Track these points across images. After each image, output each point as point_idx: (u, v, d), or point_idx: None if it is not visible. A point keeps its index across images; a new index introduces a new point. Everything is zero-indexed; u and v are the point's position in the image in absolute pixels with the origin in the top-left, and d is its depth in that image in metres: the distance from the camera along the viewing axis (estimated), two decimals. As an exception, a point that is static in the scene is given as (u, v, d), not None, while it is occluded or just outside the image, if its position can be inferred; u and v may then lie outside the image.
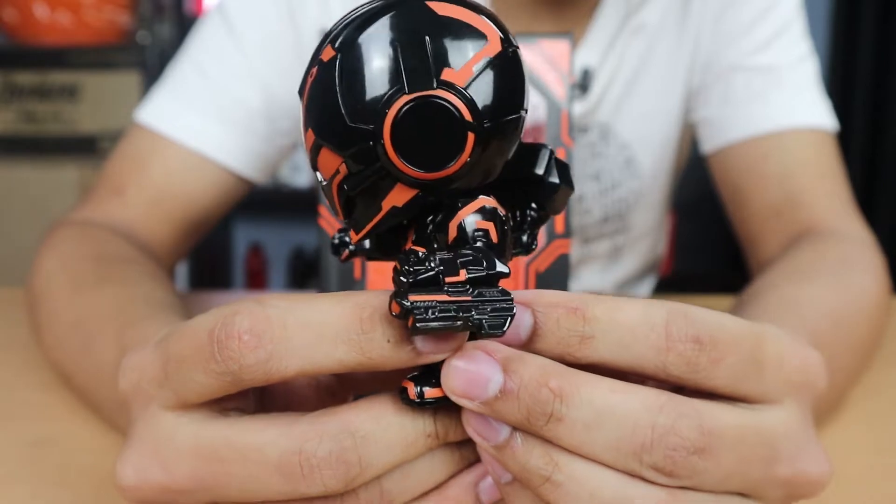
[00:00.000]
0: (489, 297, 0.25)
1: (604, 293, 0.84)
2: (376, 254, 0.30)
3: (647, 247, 0.86)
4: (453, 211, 0.26)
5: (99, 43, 1.86)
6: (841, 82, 2.23)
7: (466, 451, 0.27)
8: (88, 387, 0.46)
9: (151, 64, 1.81)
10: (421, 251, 0.25)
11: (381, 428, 0.25)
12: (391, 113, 0.24)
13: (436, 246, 0.27)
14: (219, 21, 0.71)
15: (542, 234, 0.48)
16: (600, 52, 0.73)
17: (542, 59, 0.48)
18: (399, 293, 0.24)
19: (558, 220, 0.48)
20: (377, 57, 0.25)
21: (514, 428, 0.25)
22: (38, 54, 1.81)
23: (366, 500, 0.26)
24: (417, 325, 0.24)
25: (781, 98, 0.70)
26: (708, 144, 0.75)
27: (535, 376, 0.25)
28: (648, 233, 0.85)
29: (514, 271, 0.48)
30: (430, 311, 0.24)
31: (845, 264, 0.57)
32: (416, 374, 0.26)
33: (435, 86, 0.24)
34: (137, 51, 1.82)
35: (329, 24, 0.69)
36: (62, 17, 1.82)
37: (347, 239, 0.31)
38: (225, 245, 2.41)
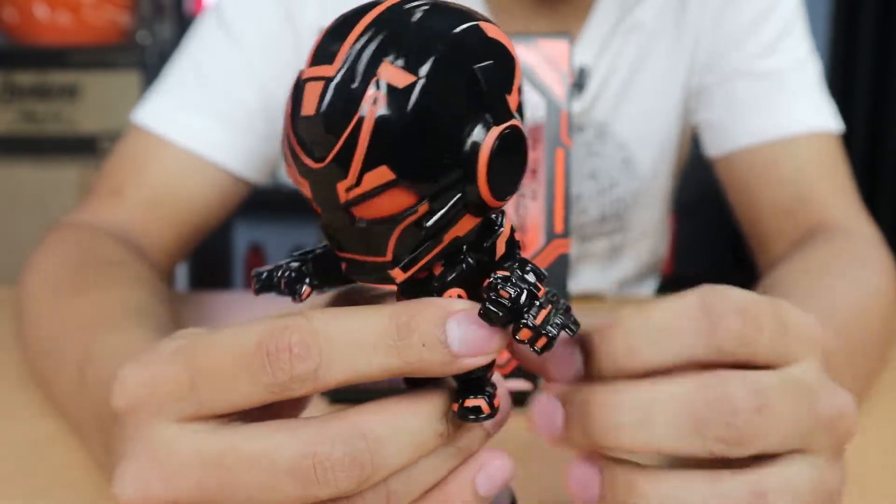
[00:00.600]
0: (559, 301, 0.26)
1: (604, 293, 0.85)
2: (326, 283, 0.28)
3: (648, 247, 0.86)
4: (493, 229, 0.26)
5: (99, 43, 1.86)
6: (841, 82, 2.23)
7: (463, 444, 0.27)
8: (61, 401, 0.46)
9: (151, 64, 1.81)
10: (504, 273, 0.25)
11: (393, 429, 0.25)
12: (486, 147, 0.23)
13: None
14: (216, 21, 0.71)
15: (541, 233, 0.48)
16: (596, 50, 0.73)
17: (541, 59, 0.48)
18: (523, 317, 0.24)
19: (557, 220, 0.48)
20: (460, 85, 0.23)
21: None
22: (38, 54, 1.81)
23: (371, 500, 0.26)
24: (551, 339, 0.25)
25: (788, 103, 0.71)
26: (714, 148, 0.75)
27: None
28: (648, 233, 0.85)
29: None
30: (551, 326, 0.25)
31: (858, 261, 0.59)
32: (459, 391, 0.27)
33: (514, 115, 0.24)
34: (137, 51, 1.82)
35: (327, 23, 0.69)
36: (62, 17, 1.82)
37: (306, 269, 0.27)
38: (225, 245, 2.41)
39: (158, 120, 0.67)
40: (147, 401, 0.26)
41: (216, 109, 0.67)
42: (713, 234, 2.45)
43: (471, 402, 0.26)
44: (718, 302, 0.27)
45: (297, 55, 0.71)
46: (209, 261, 2.22)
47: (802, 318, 0.29)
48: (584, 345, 0.28)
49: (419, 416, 0.26)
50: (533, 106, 0.48)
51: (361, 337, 0.25)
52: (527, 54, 0.48)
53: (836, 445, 0.28)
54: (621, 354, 0.27)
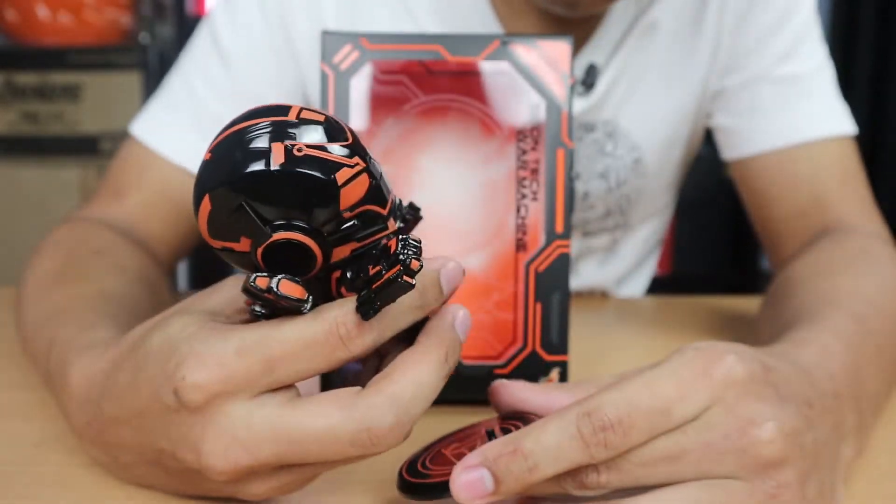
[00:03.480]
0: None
1: (601, 289, 0.85)
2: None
3: (646, 239, 0.87)
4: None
5: (100, 43, 1.86)
6: (841, 82, 2.23)
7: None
8: (49, 388, 0.48)
9: (152, 64, 1.82)
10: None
11: (418, 387, 0.33)
12: (260, 249, 0.33)
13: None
14: (207, 33, 0.73)
15: (541, 233, 0.48)
16: (609, 49, 0.73)
17: (541, 59, 0.48)
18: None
19: (558, 221, 0.48)
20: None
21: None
22: (39, 55, 1.81)
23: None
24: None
25: (808, 109, 0.73)
26: (732, 152, 0.76)
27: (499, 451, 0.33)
28: (647, 225, 0.85)
29: (515, 270, 0.48)
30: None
31: (868, 256, 0.60)
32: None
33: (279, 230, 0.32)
34: (138, 51, 1.82)
35: (320, 29, 0.69)
36: (63, 18, 1.82)
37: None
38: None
39: (152, 134, 0.71)
40: (223, 391, 0.32)
41: (204, 127, 0.70)
42: (713, 234, 2.45)
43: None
44: (585, 422, 0.32)
45: (290, 63, 0.72)
46: (209, 260, 2.22)
47: (683, 370, 0.33)
48: (489, 465, 0.33)
49: (431, 371, 0.33)
50: (533, 106, 0.48)
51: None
52: (527, 54, 0.48)
53: (754, 468, 0.32)
54: (526, 472, 0.32)
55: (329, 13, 0.71)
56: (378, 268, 0.31)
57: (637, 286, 0.90)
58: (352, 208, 0.31)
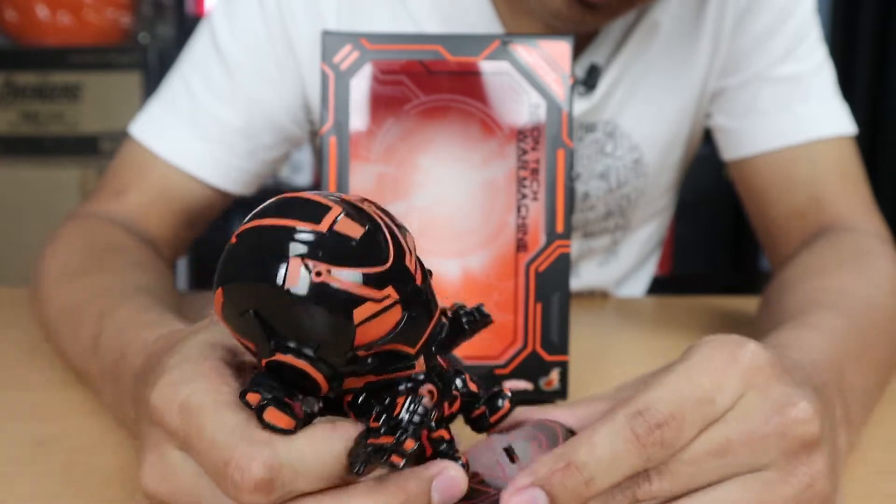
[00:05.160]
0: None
1: (602, 290, 0.85)
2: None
3: (646, 240, 0.87)
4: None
5: (100, 43, 1.86)
6: (841, 82, 2.23)
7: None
8: (79, 367, 0.51)
9: (152, 64, 1.82)
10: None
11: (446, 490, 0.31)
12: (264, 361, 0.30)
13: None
14: (207, 35, 0.73)
15: (541, 233, 0.48)
16: (610, 49, 0.73)
17: (542, 59, 0.48)
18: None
19: (559, 220, 0.48)
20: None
21: None
22: (39, 55, 1.81)
23: None
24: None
25: (808, 109, 0.73)
26: (732, 152, 0.77)
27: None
28: (647, 226, 0.85)
29: (515, 270, 0.48)
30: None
31: (862, 256, 0.60)
32: None
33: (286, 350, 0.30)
34: (138, 51, 1.82)
35: (320, 29, 0.69)
36: (63, 18, 1.82)
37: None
38: (225, 244, 2.41)
39: (150, 135, 0.71)
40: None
41: (202, 129, 0.71)
42: (713, 234, 2.45)
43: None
44: (639, 422, 0.30)
45: (290, 63, 0.72)
46: (209, 260, 2.21)
47: (718, 360, 0.32)
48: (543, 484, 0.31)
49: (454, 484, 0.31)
50: (533, 106, 0.48)
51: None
52: (527, 54, 0.48)
53: (794, 452, 0.32)
54: (583, 486, 0.30)
55: (329, 13, 0.71)
56: (377, 424, 0.28)
57: (637, 287, 0.90)
58: (369, 346, 0.28)
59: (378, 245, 0.27)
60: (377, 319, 0.27)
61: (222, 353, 0.34)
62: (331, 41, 0.47)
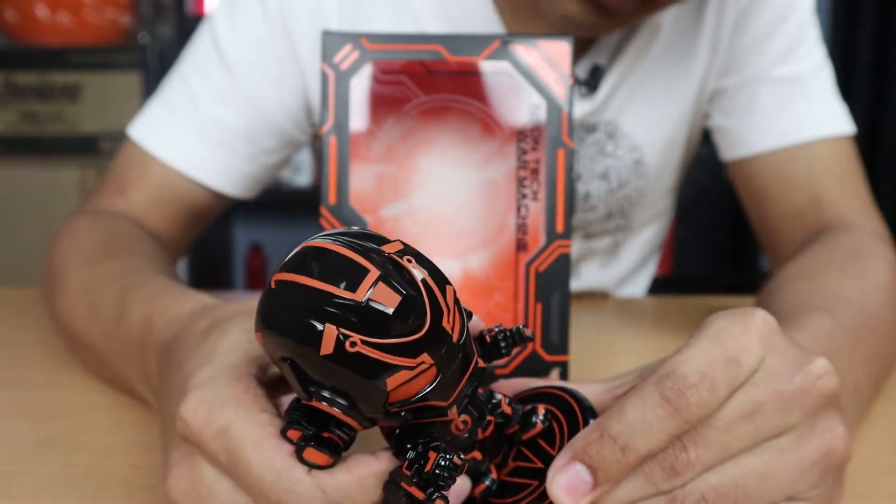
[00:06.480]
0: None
1: (602, 291, 0.85)
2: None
3: (647, 240, 0.87)
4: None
5: (100, 43, 1.86)
6: (841, 82, 2.23)
7: None
8: (97, 345, 0.51)
9: (152, 64, 1.82)
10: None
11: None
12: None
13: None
14: (208, 35, 0.73)
15: (542, 233, 0.48)
16: (611, 50, 0.73)
17: (542, 59, 0.48)
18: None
19: (559, 221, 0.48)
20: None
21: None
22: (38, 54, 1.81)
23: None
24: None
25: (807, 109, 0.73)
26: (731, 153, 0.77)
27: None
28: (648, 227, 0.85)
29: (515, 270, 0.48)
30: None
31: (858, 254, 0.60)
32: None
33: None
34: (138, 51, 1.82)
35: (320, 28, 0.69)
36: (63, 18, 1.82)
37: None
38: (225, 245, 2.41)
39: (149, 137, 0.71)
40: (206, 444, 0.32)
41: (202, 130, 0.71)
42: (713, 234, 2.45)
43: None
44: (669, 384, 0.30)
45: (291, 63, 0.72)
46: (209, 260, 2.22)
47: (736, 327, 0.33)
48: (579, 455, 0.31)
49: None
50: (533, 106, 0.48)
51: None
52: (527, 54, 0.48)
53: (817, 409, 0.33)
54: (620, 455, 0.31)
55: (331, 14, 0.71)
56: (409, 472, 0.29)
57: (637, 288, 0.91)
58: (403, 404, 0.28)
59: (414, 312, 0.27)
60: (411, 382, 0.28)
61: (255, 369, 0.34)
62: (331, 41, 0.47)
